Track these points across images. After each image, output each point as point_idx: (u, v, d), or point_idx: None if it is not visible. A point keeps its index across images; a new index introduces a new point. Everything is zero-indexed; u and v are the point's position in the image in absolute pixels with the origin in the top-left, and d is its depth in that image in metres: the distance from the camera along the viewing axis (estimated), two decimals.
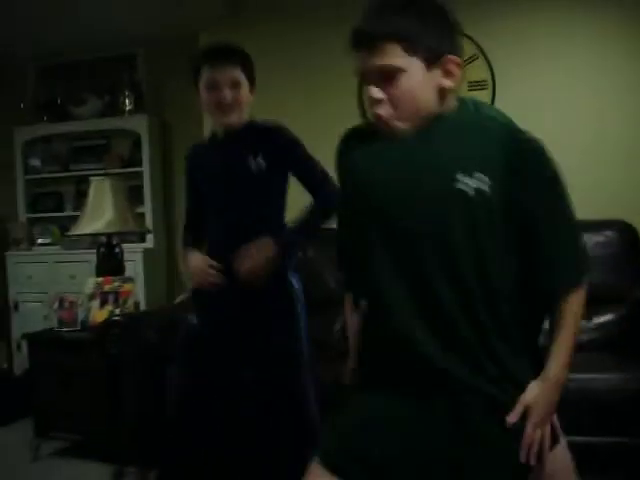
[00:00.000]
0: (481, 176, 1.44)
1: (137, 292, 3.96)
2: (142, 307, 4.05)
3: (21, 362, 4.66)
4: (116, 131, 4.87)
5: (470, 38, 3.78)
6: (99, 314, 3.61)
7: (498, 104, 3.75)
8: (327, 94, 4.03)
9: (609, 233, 3.37)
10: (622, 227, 3.40)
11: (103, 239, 3.85)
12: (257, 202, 2.37)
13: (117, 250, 3.79)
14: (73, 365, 3.48)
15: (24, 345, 4.04)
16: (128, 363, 3.17)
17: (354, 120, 3.98)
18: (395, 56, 1.43)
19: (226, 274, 2.36)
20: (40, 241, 5.07)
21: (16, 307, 4.87)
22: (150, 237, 4.63)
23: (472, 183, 1.44)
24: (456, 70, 1.47)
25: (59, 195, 5.15)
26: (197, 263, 2.43)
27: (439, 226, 1.46)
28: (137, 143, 4.76)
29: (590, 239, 3.37)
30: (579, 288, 1.55)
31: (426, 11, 1.47)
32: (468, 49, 3.79)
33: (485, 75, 3.79)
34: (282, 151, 2.41)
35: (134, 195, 4.45)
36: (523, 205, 1.47)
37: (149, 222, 4.60)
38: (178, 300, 3.87)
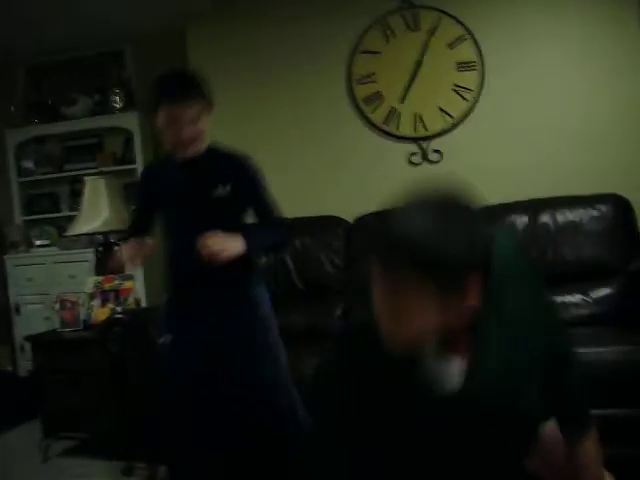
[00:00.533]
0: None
1: (137, 289, 3.98)
2: (143, 304, 4.07)
3: (25, 364, 4.69)
4: (108, 129, 4.87)
5: (458, 19, 3.80)
6: (101, 313, 3.63)
7: (487, 86, 3.77)
8: (316, 84, 4.04)
9: (603, 207, 3.39)
10: (615, 200, 3.41)
11: (101, 238, 3.86)
12: (220, 225, 2.37)
13: (115, 248, 3.80)
14: (77, 365, 3.50)
15: (27, 347, 4.06)
16: (132, 360, 3.19)
17: (343, 108, 4.02)
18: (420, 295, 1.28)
19: (189, 284, 2.45)
20: (38, 243, 5.06)
21: (17, 310, 4.88)
22: None
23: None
24: (475, 292, 1.31)
25: (54, 196, 5.14)
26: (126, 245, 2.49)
27: None
28: (129, 140, 4.76)
29: (585, 214, 3.40)
30: None
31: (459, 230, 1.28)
32: (456, 30, 3.80)
33: (474, 56, 3.79)
34: (247, 184, 2.46)
35: (129, 192, 4.46)
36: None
37: None
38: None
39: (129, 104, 4.78)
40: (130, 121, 4.69)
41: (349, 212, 3.78)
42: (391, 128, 3.92)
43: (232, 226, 2.39)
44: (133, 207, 2.66)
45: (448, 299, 1.27)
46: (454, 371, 1.35)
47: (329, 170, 4.01)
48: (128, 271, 3.87)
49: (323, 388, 1.53)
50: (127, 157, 4.80)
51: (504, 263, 1.39)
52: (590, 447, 1.56)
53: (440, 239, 1.24)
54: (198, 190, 2.41)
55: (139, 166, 4.63)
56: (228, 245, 2.28)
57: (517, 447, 1.53)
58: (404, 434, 1.41)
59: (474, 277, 1.28)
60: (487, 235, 1.32)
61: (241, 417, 2.52)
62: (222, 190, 2.40)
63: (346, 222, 3.79)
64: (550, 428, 1.64)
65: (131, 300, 3.70)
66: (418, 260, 1.23)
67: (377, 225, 1.28)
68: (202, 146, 2.40)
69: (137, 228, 2.61)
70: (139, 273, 4.29)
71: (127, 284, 3.74)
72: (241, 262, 2.34)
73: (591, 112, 3.68)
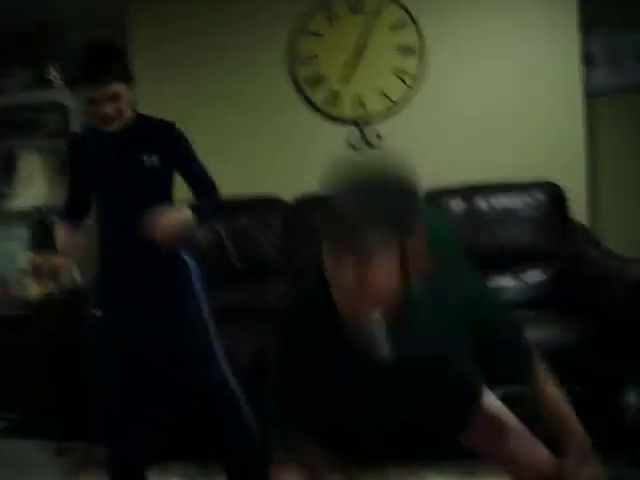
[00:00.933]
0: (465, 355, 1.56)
1: (73, 267, 3.92)
2: (79, 280, 4.01)
3: None
4: (45, 104, 4.75)
5: (401, 3, 3.82)
6: (35, 289, 3.58)
7: (428, 71, 3.82)
8: (257, 65, 4.02)
9: (537, 194, 3.48)
10: (548, 188, 3.51)
11: (36, 214, 3.79)
12: (149, 195, 2.41)
13: (50, 224, 3.74)
14: (11, 342, 3.44)
15: None
16: (66, 338, 3.15)
17: (284, 88, 4.00)
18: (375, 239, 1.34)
19: (120, 258, 2.45)
20: None
21: None
22: None
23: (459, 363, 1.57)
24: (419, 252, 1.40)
25: None
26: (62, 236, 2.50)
27: None
28: (67, 116, 4.66)
29: (519, 200, 3.49)
30: None
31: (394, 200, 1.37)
32: (399, 14, 3.83)
33: (415, 41, 3.83)
34: (174, 149, 2.47)
35: (66, 169, 4.37)
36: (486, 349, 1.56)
37: None
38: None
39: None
40: (68, 96, 4.59)
41: (288, 193, 3.79)
42: (332, 110, 3.93)
43: (163, 195, 2.41)
44: (66, 184, 2.62)
45: (405, 254, 1.35)
46: (388, 337, 1.40)
47: (268, 150, 4.00)
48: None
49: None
50: (64, 133, 4.70)
51: (438, 241, 1.45)
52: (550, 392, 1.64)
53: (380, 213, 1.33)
54: (127, 159, 2.41)
55: None
56: (178, 216, 2.33)
57: (453, 414, 1.63)
58: (344, 394, 1.51)
59: (413, 243, 1.35)
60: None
61: (174, 391, 2.55)
62: (151, 159, 2.40)
63: (286, 203, 3.80)
64: (489, 404, 1.73)
65: (67, 277, 3.65)
66: (380, 220, 1.32)
67: (330, 202, 1.36)
68: (127, 117, 2.39)
69: (73, 207, 2.59)
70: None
71: (62, 261, 3.68)
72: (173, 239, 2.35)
73: (527, 98, 3.76)
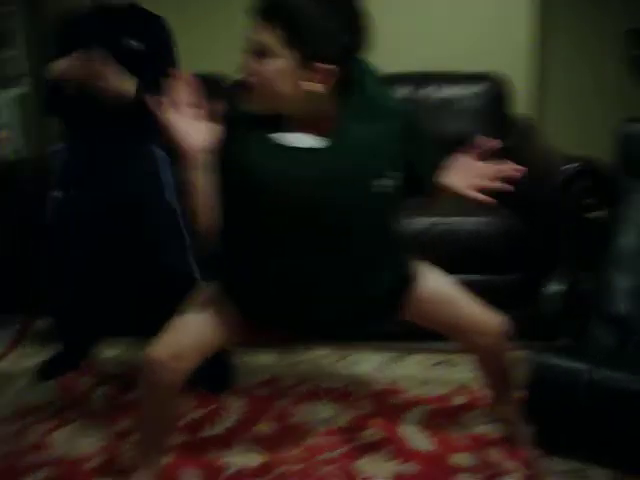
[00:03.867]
0: (392, 173, 1.67)
1: (15, 139, 3.84)
2: (22, 155, 3.94)
3: None
4: None
5: None
6: None
7: None
8: None
9: (480, 85, 3.50)
10: (491, 79, 3.54)
11: None
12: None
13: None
14: None
15: None
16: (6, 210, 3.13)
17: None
18: (272, 39, 1.51)
19: (93, 137, 2.50)
20: None
21: None
22: (25, 82, 4.41)
23: (387, 182, 1.66)
24: (328, 79, 1.55)
25: None
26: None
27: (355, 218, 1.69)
28: None
29: (461, 91, 3.51)
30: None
31: (337, 8, 1.52)
32: None
33: None
34: (162, 43, 2.49)
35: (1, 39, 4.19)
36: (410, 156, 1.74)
37: (23, 66, 4.37)
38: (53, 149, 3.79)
39: None
40: None
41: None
42: None
43: (148, 81, 2.38)
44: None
45: (302, 69, 1.52)
46: (310, 142, 1.62)
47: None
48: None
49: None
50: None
51: (367, 70, 1.70)
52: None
53: (316, 7, 1.49)
54: (113, 41, 2.40)
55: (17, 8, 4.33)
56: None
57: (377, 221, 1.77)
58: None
59: (323, 69, 1.52)
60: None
61: (135, 269, 2.67)
62: (137, 45, 2.43)
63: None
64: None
65: (8, 150, 3.60)
66: (288, 16, 1.49)
67: None
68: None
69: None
70: (15, 122, 4.11)
71: (2, 133, 3.61)
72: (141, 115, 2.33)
73: None
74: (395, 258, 1.87)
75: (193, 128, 1.64)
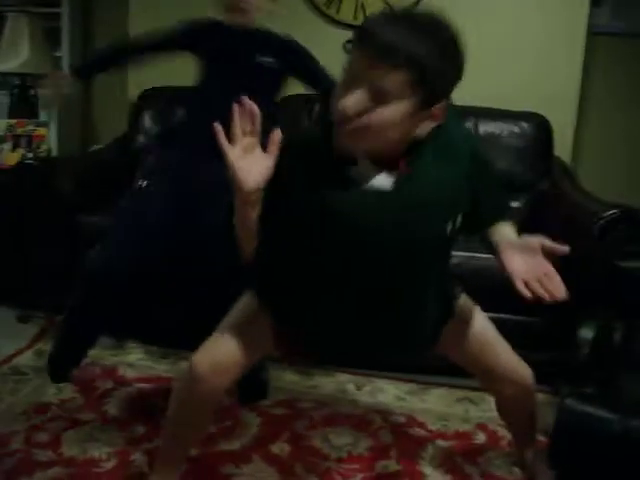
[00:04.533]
0: (459, 216, 1.60)
1: (50, 138, 3.87)
2: (54, 154, 3.97)
3: None
4: None
5: None
6: (11, 157, 3.54)
7: None
8: None
9: (524, 124, 3.49)
10: (537, 120, 3.52)
11: (17, 80, 3.71)
12: (262, 94, 2.42)
13: (32, 92, 3.67)
14: None
15: None
16: (40, 209, 3.14)
17: None
18: (396, 83, 1.37)
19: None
20: None
21: None
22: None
23: (454, 223, 1.59)
24: (441, 115, 1.47)
25: None
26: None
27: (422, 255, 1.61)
28: None
29: (507, 128, 3.50)
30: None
31: (449, 46, 1.41)
32: None
33: None
34: (294, 55, 2.64)
35: (52, 37, 4.24)
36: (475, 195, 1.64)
37: (66, 67, 4.42)
38: (93, 149, 3.82)
39: None
40: None
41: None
42: (331, 12, 3.85)
43: (272, 97, 2.56)
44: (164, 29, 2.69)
45: (419, 112, 1.42)
46: (383, 181, 1.51)
47: None
48: (43, 117, 3.76)
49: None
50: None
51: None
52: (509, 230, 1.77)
53: (434, 48, 1.37)
54: (246, 54, 2.53)
55: (65, 9, 4.40)
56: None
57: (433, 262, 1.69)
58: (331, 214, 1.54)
59: (441, 107, 1.44)
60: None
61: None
62: (268, 61, 2.55)
63: None
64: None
65: (44, 148, 3.62)
66: (415, 59, 1.35)
67: (368, 23, 1.43)
68: (252, 19, 2.56)
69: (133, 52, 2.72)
70: (53, 121, 4.16)
71: (41, 131, 3.64)
72: None
73: (530, 32, 3.70)
74: (442, 291, 1.83)
75: (252, 166, 1.49)
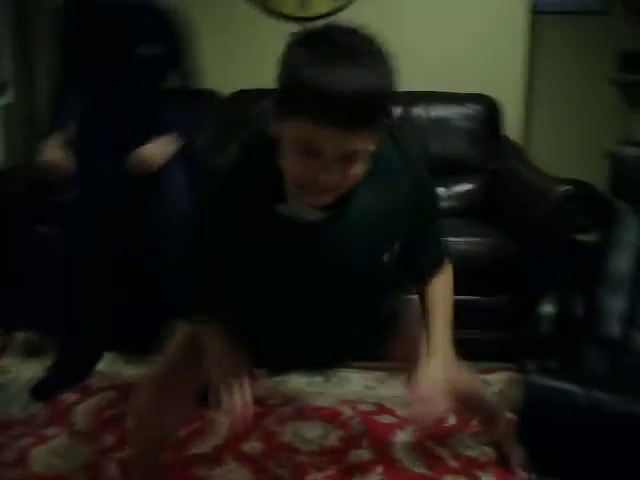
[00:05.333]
0: (397, 244, 1.50)
1: None
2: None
3: None
4: None
5: None
6: None
7: None
8: None
9: (473, 106, 3.51)
10: (485, 101, 3.54)
11: None
12: (143, 85, 2.43)
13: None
14: None
15: None
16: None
17: None
18: (365, 138, 1.24)
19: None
20: None
21: None
22: (9, 92, 4.35)
23: (391, 252, 1.50)
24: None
25: None
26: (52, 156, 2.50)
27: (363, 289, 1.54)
28: None
29: (455, 111, 3.52)
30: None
31: (385, 61, 1.25)
32: None
33: None
34: (174, 40, 2.47)
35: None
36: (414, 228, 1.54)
37: (7, 74, 4.31)
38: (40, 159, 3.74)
39: None
40: None
41: (223, 87, 3.71)
42: (272, 4, 3.81)
43: (153, 87, 2.42)
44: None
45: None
46: (314, 215, 1.41)
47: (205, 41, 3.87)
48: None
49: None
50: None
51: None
52: (440, 288, 1.66)
53: (381, 76, 1.22)
54: (120, 44, 2.37)
55: None
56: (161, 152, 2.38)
57: (373, 300, 1.64)
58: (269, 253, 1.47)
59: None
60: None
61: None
62: (149, 49, 2.39)
63: (221, 97, 3.73)
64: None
65: None
66: (377, 104, 1.21)
67: (305, 81, 1.18)
68: None
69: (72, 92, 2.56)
70: None
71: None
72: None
73: (472, 9, 3.72)
74: (390, 296, 1.76)
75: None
